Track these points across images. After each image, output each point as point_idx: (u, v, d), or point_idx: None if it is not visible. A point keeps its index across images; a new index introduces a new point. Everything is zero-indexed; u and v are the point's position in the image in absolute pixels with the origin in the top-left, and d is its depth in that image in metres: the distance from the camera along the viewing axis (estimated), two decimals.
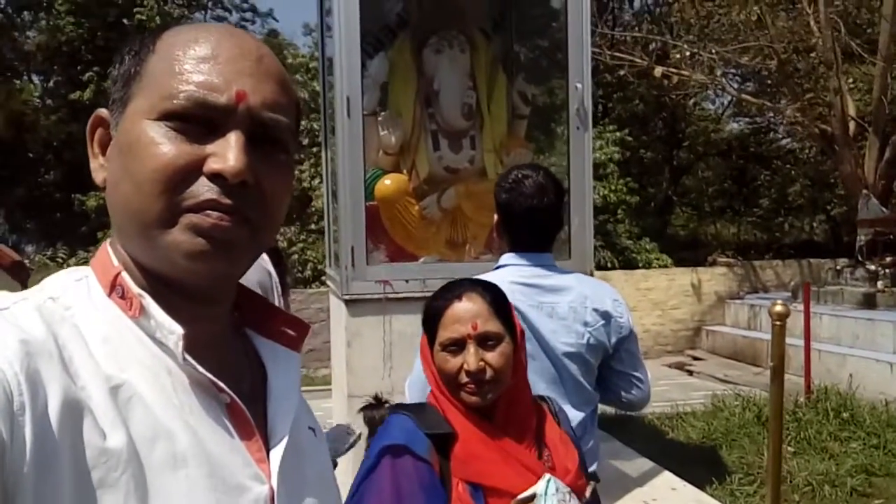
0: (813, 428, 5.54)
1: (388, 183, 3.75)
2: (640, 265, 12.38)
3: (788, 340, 8.70)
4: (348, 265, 3.35)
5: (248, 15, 19.67)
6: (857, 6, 11.33)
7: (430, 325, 1.47)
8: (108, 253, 0.72)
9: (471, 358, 1.39)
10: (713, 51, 9.25)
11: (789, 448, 5.30)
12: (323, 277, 10.05)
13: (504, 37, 4.43)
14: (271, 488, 0.69)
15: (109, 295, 0.69)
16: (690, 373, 9.13)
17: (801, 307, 7.26)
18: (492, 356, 1.40)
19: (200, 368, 0.66)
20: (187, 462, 0.63)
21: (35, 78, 18.48)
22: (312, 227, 11.99)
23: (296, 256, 11.93)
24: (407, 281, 3.39)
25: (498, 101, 4.05)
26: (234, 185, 0.65)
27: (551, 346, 1.98)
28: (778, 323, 3.28)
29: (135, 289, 0.68)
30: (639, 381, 2.10)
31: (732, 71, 13.99)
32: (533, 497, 1.31)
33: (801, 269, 11.49)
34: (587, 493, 1.46)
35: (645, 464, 4.24)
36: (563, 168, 3.76)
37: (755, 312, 9.92)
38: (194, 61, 0.67)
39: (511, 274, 2.01)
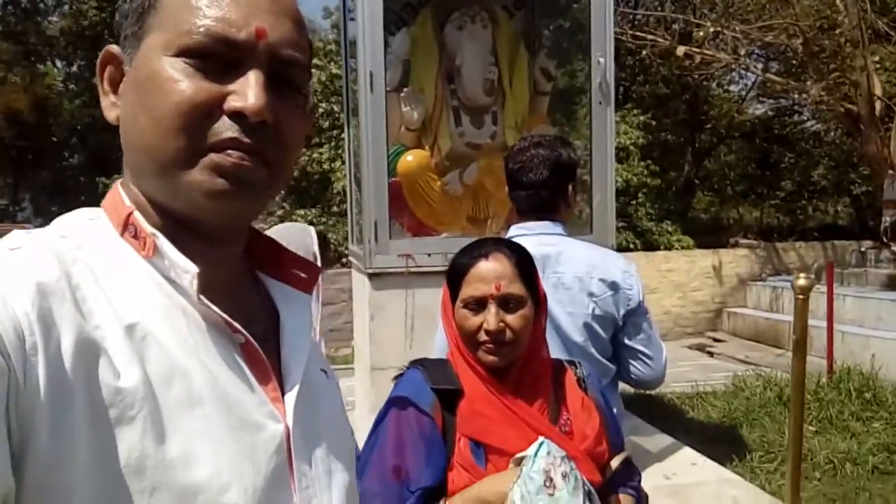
0: (835, 408, 5.52)
1: (410, 159, 3.77)
2: (662, 247, 12.33)
3: (811, 322, 8.65)
4: (371, 239, 3.38)
5: None
6: None
7: (454, 281, 1.47)
8: (120, 193, 0.71)
9: (491, 318, 1.39)
10: (736, 29, 9.12)
11: (811, 427, 5.29)
12: (344, 259, 10.11)
13: (527, 13, 4.42)
14: (287, 427, 0.69)
15: (122, 235, 0.68)
16: (711, 354, 9.11)
17: (824, 289, 7.21)
18: (512, 318, 1.40)
19: (215, 308, 0.66)
20: (203, 401, 0.63)
21: (58, 62, 18.64)
22: (334, 209, 12.06)
23: None
24: (429, 255, 3.41)
25: (520, 77, 4.05)
26: (254, 124, 0.65)
27: (556, 316, 1.98)
28: (801, 297, 3.26)
29: (148, 228, 0.67)
30: (648, 358, 2.07)
31: (757, 51, 13.82)
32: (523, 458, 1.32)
33: (824, 251, 11.37)
34: (615, 462, 1.46)
35: (665, 440, 4.24)
36: (585, 145, 3.78)
37: (777, 294, 9.85)
38: None
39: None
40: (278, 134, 0.67)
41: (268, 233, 2.28)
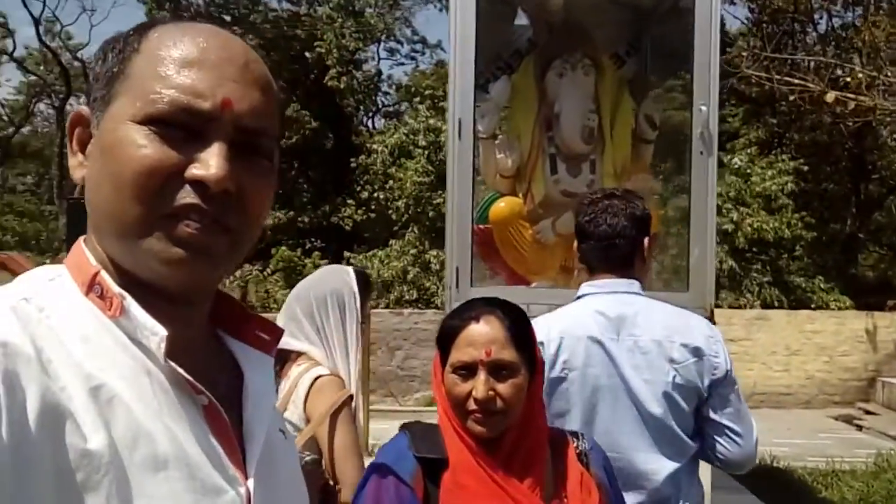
0: None
1: (502, 205, 3.74)
2: (813, 306, 11.41)
3: None
4: (452, 286, 3.36)
5: (419, 46, 20.52)
6: None
7: (444, 343, 1.40)
8: (84, 251, 0.71)
9: (480, 386, 1.31)
10: (888, 73, 8.37)
11: None
12: None
13: (638, 60, 4.30)
14: (248, 490, 0.69)
15: (87, 294, 0.68)
16: (859, 428, 8.25)
17: None
18: (503, 387, 1.32)
19: (180, 370, 0.66)
20: (168, 464, 0.63)
21: None
22: None
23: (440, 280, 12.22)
24: None
25: (622, 125, 3.92)
26: (217, 192, 0.65)
27: (632, 385, 1.82)
28: None
29: (115, 288, 0.67)
30: (736, 436, 1.85)
31: None
32: None
33: None
34: None
35: None
36: (686, 196, 3.58)
37: None
38: (179, 64, 0.67)
39: (593, 303, 1.89)
40: (241, 202, 0.68)
41: (310, 277, 2.31)
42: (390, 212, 14.33)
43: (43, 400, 0.57)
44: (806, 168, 13.05)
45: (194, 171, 0.65)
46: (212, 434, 0.68)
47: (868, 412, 9.11)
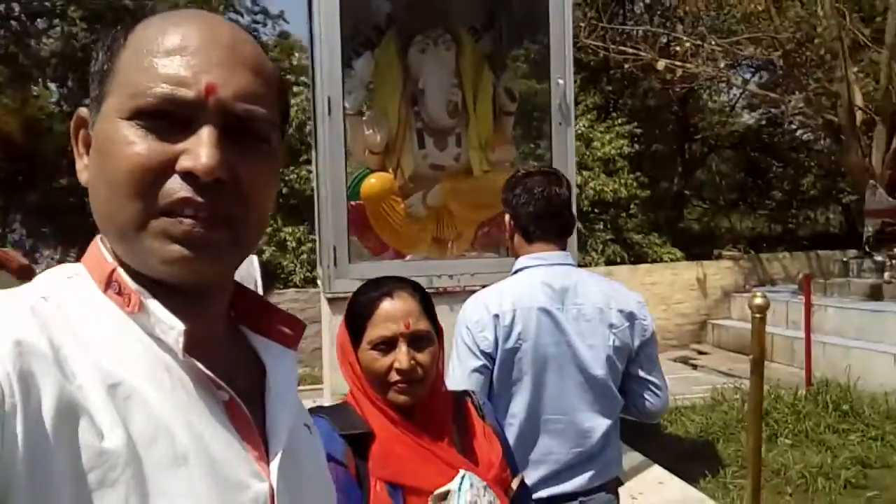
0: (811, 420, 5.52)
1: (373, 181, 3.79)
2: (650, 260, 12.35)
3: (792, 333, 8.61)
4: (330, 264, 3.40)
5: (260, 17, 19.76)
6: None
7: (357, 321, 1.44)
8: (101, 249, 0.70)
9: (403, 357, 1.37)
10: (713, 42, 9.18)
11: (786, 440, 5.30)
12: None
13: (493, 34, 4.45)
14: (271, 486, 0.68)
15: (105, 291, 0.67)
16: (694, 367, 9.11)
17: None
18: (422, 356, 1.39)
19: (200, 365, 0.65)
20: (188, 460, 0.62)
21: (52, 84, 18.59)
22: None
23: (304, 256, 12.03)
24: None
25: (484, 98, 4.07)
26: (209, 182, 0.63)
27: (578, 351, 1.93)
28: (758, 315, 3.28)
29: (133, 285, 0.66)
30: (658, 389, 2.02)
31: (747, 63, 13.86)
32: (448, 493, 1.31)
33: (809, 261, 11.40)
34: (514, 485, 1.48)
35: (635, 458, 4.25)
36: (547, 164, 3.80)
37: None
38: (162, 54, 0.64)
39: (538, 275, 1.97)
40: (238, 189, 0.65)
41: None
42: None
43: (59, 398, 0.56)
44: (639, 131, 13.96)
45: (184, 162, 0.63)
46: (234, 430, 0.67)
47: (701, 352, 10.06)
